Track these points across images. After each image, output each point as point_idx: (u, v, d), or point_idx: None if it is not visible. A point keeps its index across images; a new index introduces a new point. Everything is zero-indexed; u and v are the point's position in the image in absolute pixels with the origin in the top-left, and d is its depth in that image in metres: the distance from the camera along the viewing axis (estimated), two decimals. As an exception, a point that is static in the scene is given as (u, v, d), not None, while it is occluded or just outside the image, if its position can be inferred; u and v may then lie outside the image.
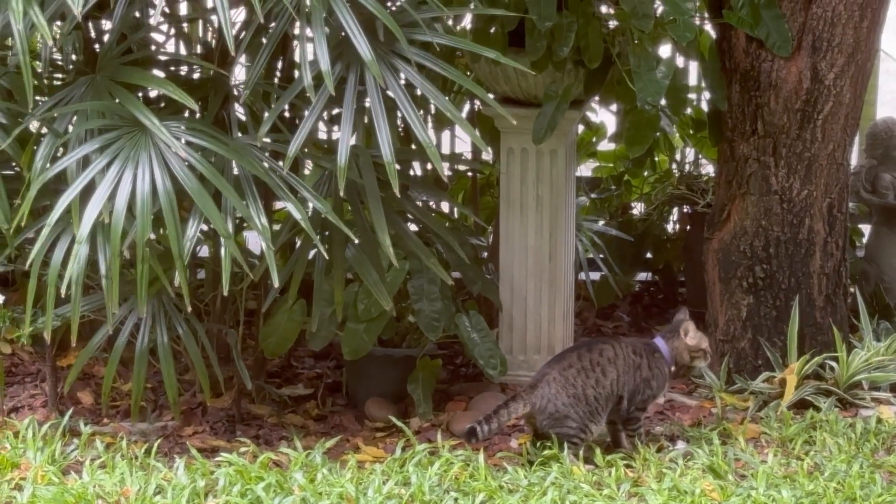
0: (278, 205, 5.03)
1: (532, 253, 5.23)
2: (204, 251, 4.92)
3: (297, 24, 4.23)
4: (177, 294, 4.49)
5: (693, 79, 5.81)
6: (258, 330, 4.92)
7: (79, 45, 4.68)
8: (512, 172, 5.21)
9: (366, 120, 4.50)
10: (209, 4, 4.49)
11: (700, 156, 6.21)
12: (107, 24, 4.67)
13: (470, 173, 5.86)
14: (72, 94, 4.41)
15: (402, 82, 4.32)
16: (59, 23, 4.46)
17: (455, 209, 5.86)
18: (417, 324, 4.98)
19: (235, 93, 4.65)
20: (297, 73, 4.84)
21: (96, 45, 4.66)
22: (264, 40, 4.50)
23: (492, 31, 4.98)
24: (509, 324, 5.29)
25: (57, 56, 4.72)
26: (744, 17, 4.97)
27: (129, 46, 4.57)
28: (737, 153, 5.16)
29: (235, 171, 4.39)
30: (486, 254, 5.60)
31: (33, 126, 4.52)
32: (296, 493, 4.24)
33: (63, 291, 4.20)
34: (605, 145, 6.27)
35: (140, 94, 4.60)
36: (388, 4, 4.51)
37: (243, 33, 4.61)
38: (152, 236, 4.32)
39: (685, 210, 6.16)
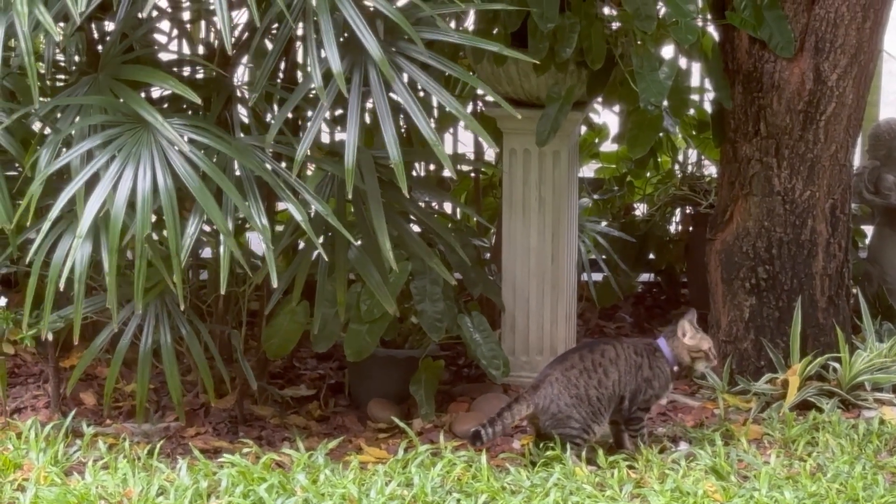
0: (280, 206, 5.04)
1: (534, 254, 5.23)
2: (206, 252, 4.92)
3: (302, 24, 4.23)
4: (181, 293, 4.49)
5: (696, 80, 5.81)
6: (261, 331, 4.92)
7: (82, 46, 4.68)
8: (514, 173, 5.21)
9: (367, 120, 4.51)
10: (212, 6, 4.49)
11: (702, 157, 6.21)
12: (110, 26, 4.68)
13: (472, 174, 5.86)
14: (74, 93, 4.42)
15: (405, 80, 4.32)
16: (62, 24, 4.46)
17: (457, 210, 5.86)
18: (420, 325, 4.99)
19: (238, 94, 4.65)
20: (299, 74, 4.86)
21: (99, 46, 4.67)
22: (267, 42, 4.50)
23: (494, 32, 4.98)
24: (512, 325, 5.29)
25: (60, 57, 4.72)
26: (747, 19, 4.97)
27: (132, 46, 4.57)
28: (739, 154, 5.17)
29: (237, 172, 4.39)
30: (488, 255, 5.61)
31: (35, 127, 4.52)
32: (298, 494, 4.24)
33: (63, 289, 4.19)
34: (608, 146, 6.27)
35: (143, 95, 4.60)
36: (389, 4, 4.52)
37: (246, 34, 4.62)
38: (154, 236, 4.31)
39: (688, 211, 6.17)
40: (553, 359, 4.80)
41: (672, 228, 6.23)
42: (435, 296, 4.94)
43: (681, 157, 6.28)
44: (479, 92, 5.49)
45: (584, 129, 6.03)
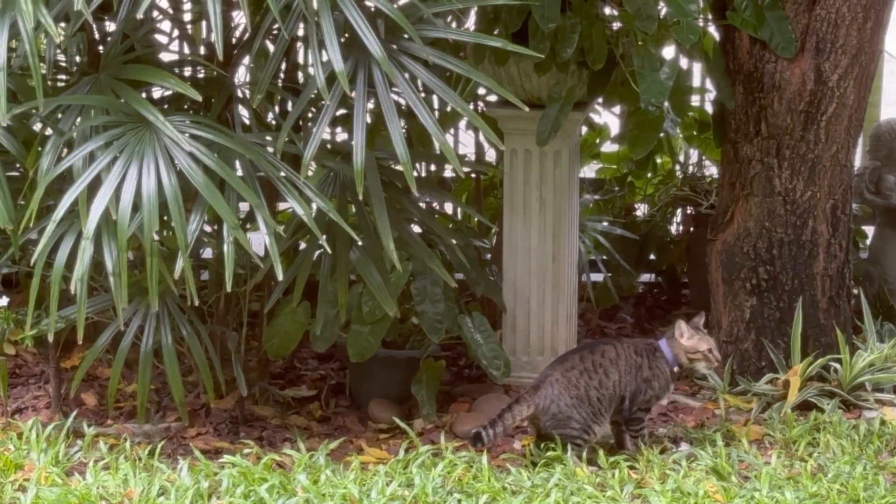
0: (281, 206, 5.04)
1: (535, 254, 5.23)
2: (207, 253, 4.92)
3: (303, 24, 4.23)
4: (181, 296, 4.49)
5: (696, 80, 5.81)
6: (262, 331, 4.92)
7: (83, 46, 4.68)
8: (515, 174, 5.21)
9: (368, 120, 4.50)
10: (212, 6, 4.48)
11: (703, 157, 6.21)
12: (111, 26, 4.68)
13: (473, 175, 5.86)
14: (76, 93, 4.41)
15: (409, 79, 4.32)
16: (62, 24, 4.46)
17: (459, 211, 5.86)
18: (421, 325, 4.99)
19: (239, 94, 4.65)
20: (300, 75, 4.86)
21: (100, 47, 4.67)
22: (268, 42, 4.50)
23: (495, 32, 4.98)
24: (512, 325, 5.29)
25: (61, 58, 4.72)
26: (747, 19, 4.98)
27: (133, 47, 4.57)
28: (740, 155, 5.17)
29: (239, 172, 4.39)
30: (489, 255, 5.61)
31: (36, 127, 4.52)
32: (299, 494, 4.24)
33: (66, 289, 4.19)
34: (609, 146, 6.27)
35: (144, 95, 4.60)
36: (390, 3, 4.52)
37: (247, 34, 4.62)
38: (155, 237, 4.31)
39: (689, 211, 6.17)
40: (553, 359, 4.80)
41: (673, 229, 6.23)
42: (435, 296, 4.94)
43: (682, 158, 6.28)
44: (481, 92, 5.49)
45: (584, 129, 6.03)
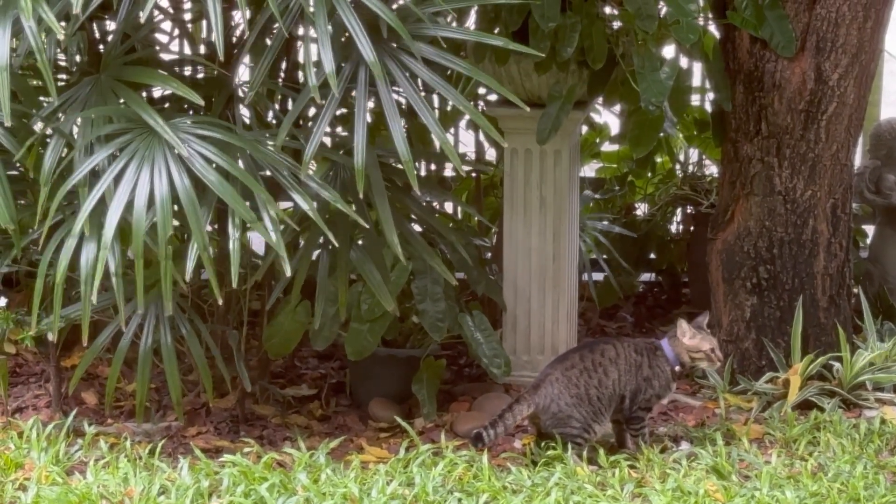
0: (282, 206, 5.04)
1: (535, 253, 5.23)
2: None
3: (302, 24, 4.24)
4: (181, 294, 4.49)
5: (697, 80, 5.81)
6: (262, 330, 4.92)
7: (83, 45, 4.68)
8: (515, 173, 5.21)
9: (369, 119, 4.50)
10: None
11: (703, 156, 6.22)
12: (111, 25, 4.68)
13: (474, 174, 5.86)
14: (77, 94, 4.42)
15: (407, 74, 4.32)
16: (63, 23, 4.46)
17: (459, 210, 5.86)
18: (421, 324, 4.99)
19: (240, 93, 4.65)
20: (300, 74, 4.86)
21: (100, 46, 4.67)
22: (268, 41, 4.50)
23: (496, 31, 4.98)
24: (513, 324, 5.29)
25: (61, 57, 4.72)
26: (748, 18, 4.98)
27: (133, 46, 4.57)
28: (740, 154, 5.17)
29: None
30: (489, 254, 5.61)
31: (36, 127, 4.53)
32: (299, 493, 4.24)
33: (74, 290, 4.19)
34: (609, 146, 6.27)
35: (144, 95, 4.60)
36: (393, 3, 4.52)
37: (248, 33, 4.62)
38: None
39: (689, 211, 6.17)
40: (554, 358, 4.80)
41: (673, 228, 6.23)
42: (436, 295, 4.94)
43: (682, 157, 6.28)
44: (481, 91, 5.49)
45: (585, 128, 6.03)
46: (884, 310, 5.61)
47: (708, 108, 5.92)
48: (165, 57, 4.85)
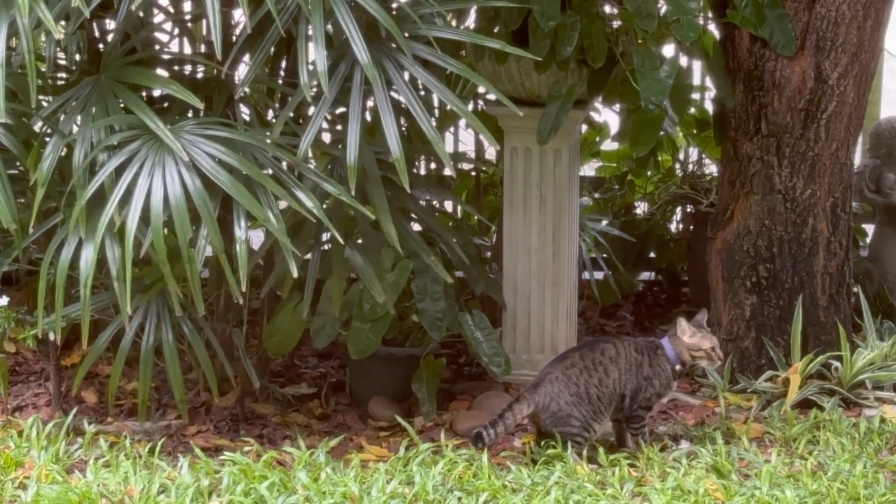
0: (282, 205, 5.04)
1: (535, 252, 5.24)
2: (207, 251, 4.91)
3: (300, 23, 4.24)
4: (183, 293, 4.49)
5: (697, 79, 5.81)
6: (262, 329, 4.92)
7: (83, 44, 4.68)
8: (515, 172, 5.21)
9: (368, 118, 4.51)
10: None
11: (703, 155, 6.21)
12: (111, 24, 4.68)
13: (473, 173, 5.86)
14: (77, 94, 4.42)
15: (406, 77, 4.32)
16: (63, 22, 4.46)
17: (459, 208, 5.86)
18: (421, 323, 4.99)
19: (241, 92, 4.65)
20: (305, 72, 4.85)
21: (100, 45, 4.67)
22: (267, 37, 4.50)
23: (495, 30, 4.98)
24: (513, 323, 5.29)
25: (61, 56, 4.72)
26: (747, 17, 4.98)
27: (133, 46, 4.57)
28: (740, 153, 5.17)
29: (243, 171, 4.39)
30: (489, 253, 5.61)
31: (36, 126, 4.53)
32: (299, 492, 4.24)
33: (76, 291, 4.19)
34: (609, 145, 6.27)
35: (144, 94, 4.60)
36: (392, 3, 4.52)
37: (247, 32, 4.62)
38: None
39: (688, 209, 6.17)
40: (554, 357, 4.80)
41: (673, 227, 6.23)
42: (436, 294, 4.94)
43: (682, 156, 6.28)
44: (480, 90, 5.49)
45: (584, 127, 6.03)
46: (883, 309, 5.61)
47: (708, 106, 5.92)
48: (165, 56, 4.85)
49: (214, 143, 4.24)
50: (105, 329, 4.66)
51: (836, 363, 5.11)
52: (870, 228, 6.01)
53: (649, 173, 6.23)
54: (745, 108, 5.12)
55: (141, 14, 4.61)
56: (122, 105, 4.37)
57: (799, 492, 4.29)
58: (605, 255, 5.89)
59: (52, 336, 4.53)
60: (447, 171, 5.75)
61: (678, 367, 4.68)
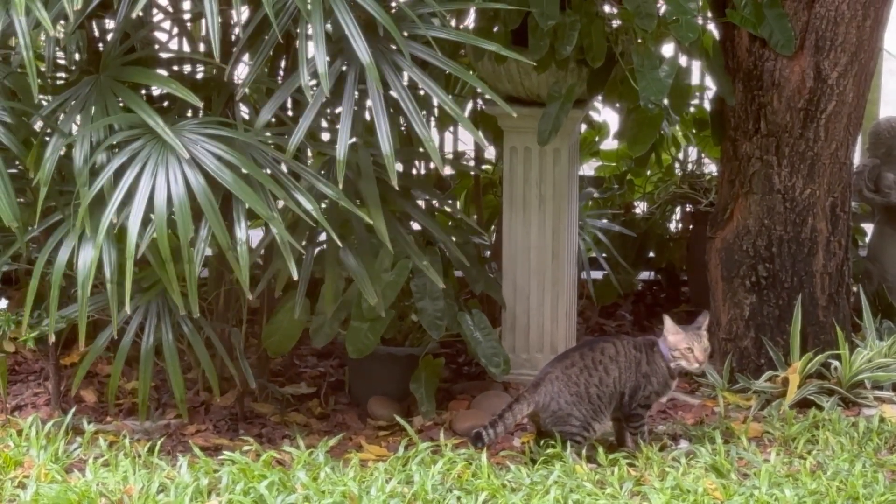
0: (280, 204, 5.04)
1: (535, 252, 5.24)
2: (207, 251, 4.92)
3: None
4: (182, 294, 4.49)
5: (696, 78, 5.81)
6: (261, 329, 4.92)
7: (82, 44, 4.68)
8: (515, 171, 5.21)
9: (368, 117, 4.51)
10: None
11: (703, 155, 6.21)
12: (110, 24, 4.68)
13: (473, 172, 5.86)
14: (76, 94, 4.42)
15: (406, 82, 4.32)
16: (62, 22, 4.46)
17: (458, 207, 5.86)
18: (420, 322, 4.99)
19: (242, 93, 4.66)
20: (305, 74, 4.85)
21: (100, 45, 4.67)
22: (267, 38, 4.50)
23: (495, 30, 4.98)
24: (512, 322, 5.29)
25: (60, 55, 4.72)
26: (747, 17, 4.98)
27: (133, 45, 4.57)
28: (740, 152, 5.17)
29: (243, 170, 4.39)
30: (488, 252, 5.61)
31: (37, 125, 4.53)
32: (299, 491, 4.24)
33: (78, 291, 4.19)
34: (608, 144, 6.27)
35: (144, 93, 4.60)
36: (391, 3, 4.52)
37: (245, 31, 4.62)
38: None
39: (688, 209, 6.17)
40: (553, 357, 4.80)
41: (672, 226, 6.23)
42: (435, 294, 4.94)
43: (681, 155, 6.28)
44: (480, 90, 5.48)
45: (584, 127, 6.03)
46: (883, 308, 5.61)
47: (707, 106, 5.92)
48: (164, 55, 4.85)
49: (215, 141, 4.24)
50: (105, 329, 4.66)
51: (835, 363, 5.11)
52: (869, 228, 6.02)
53: (649, 173, 6.22)
54: (744, 108, 5.12)
55: (141, 14, 4.61)
56: (121, 104, 4.37)
57: (798, 491, 4.29)
58: (604, 255, 5.88)
59: (51, 338, 4.53)
60: (447, 170, 5.78)
61: (672, 365, 4.67)
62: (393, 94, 4.32)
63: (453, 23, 5.26)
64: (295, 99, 4.55)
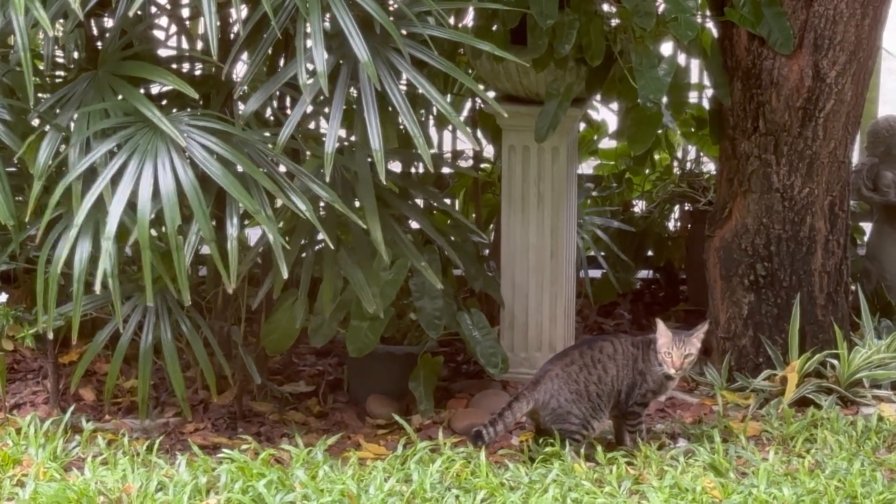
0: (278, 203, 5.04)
1: (533, 250, 5.24)
2: (204, 248, 4.92)
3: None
4: (178, 290, 4.49)
5: (695, 77, 5.81)
6: (259, 327, 4.92)
7: (81, 43, 4.69)
8: (513, 170, 5.21)
9: (377, 121, 4.51)
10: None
11: (701, 154, 6.22)
12: (109, 22, 4.68)
13: (468, 170, 5.85)
14: (74, 90, 4.42)
15: (404, 84, 4.32)
16: (61, 21, 4.46)
17: (457, 206, 5.86)
18: (419, 321, 4.99)
19: (240, 91, 4.66)
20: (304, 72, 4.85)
21: (98, 43, 4.67)
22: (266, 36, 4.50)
23: (494, 28, 4.98)
24: (510, 321, 5.29)
25: (59, 54, 4.72)
26: (745, 15, 4.98)
27: (131, 43, 4.57)
28: (738, 151, 5.17)
29: (239, 168, 4.39)
30: (487, 251, 5.61)
31: (33, 122, 4.53)
32: (297, 489, 4.24)
33: (97, 287, 4.18)
34: (607, 143, 6.27)
35: (143, 92, 4.60)
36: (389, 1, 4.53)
37: (244, 29, 4.62)
38: (152, 232, 4.32)
39: (686, 208, 6.17)
40: (552, 355, 4.80)
41: (671, 225, 6.23)
42: (434, 292, 4.94)
43: (680, 154, 6.28)
44: (481, 87, 5.48)
45: (582, 125, 6.03)
46: (881, 307, 5.61)
47: (706, 105, 5.92)
48: (163, 53, 4.85)
49: (206, 133, 4.23)
50: (103, 327, 4.66)
51: (833, 361, 5.12)
52: (867, 227, 6.02)
53: (647, 171, 6.22)
54: (743, 107, 5.12)
55: (139, 13, 4.61)
56: (119, 99, 4.37)
57: (796, 490, 4.30)
58: (603, 253, 5.89)
59: (49, 335, 4.53)
60: (445, 169, 5.78)
61: (656, 367, 4.65)
62: (388, 91, 4.31)
63: (452, 21, 5.26)
64: (294, 99, 4.55)
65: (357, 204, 4.56)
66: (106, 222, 4.17)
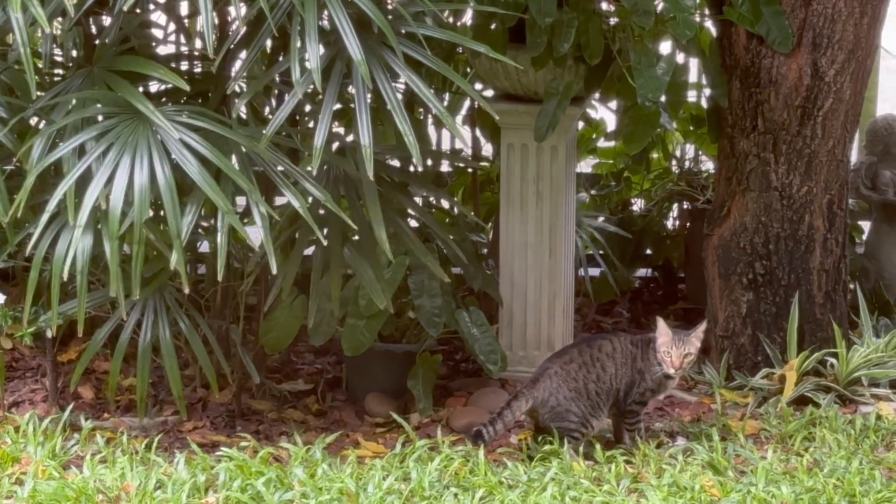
0: (277, 202, 5.04)
1: (532, 249, 5.24)
2: (204, 246, 4.92)
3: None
4: (178, 289, 4.49)
5: (693, 76, 5.81)
6: (258, 325, 4.93)
7: (79, 41, 4.69)
8: (512, 168, 5.21)
9: (368, 117, 4.51)
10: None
11: (700, 152, 6.22)
12: (108, 21, 4.68)
13: (470, 169, 5.86)
14: (69, 86, 4.42)
15: (402, 83, 4.32)
16: (60, 19, 4.46)
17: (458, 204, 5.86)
18: (418, 319, 4.99)
19: (237, 88, 4.65)
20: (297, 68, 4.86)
21: (96, 41, 4.67)
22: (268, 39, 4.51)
23: (492, 27, 4.98)
24: (509, 320, 5.29)
25: (58, 52, 4.72)
26: (744, 14, 4.98)
27: (129, 40, 4.57)
28: (737, 150, 5.17)
29: (236, 165, 4.39)
30: (486, 249, 5.61)
31: (32, 121, 4.53)
32: (296, 488, 4.25)
33: (64, 283, 4.18)
34: (606, 142, 6.27)
35: (140, 90, 4.60)
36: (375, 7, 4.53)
37: (245, 28, 4.63)
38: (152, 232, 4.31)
39: (685, 206, 6.17)
40: (551, 354, 4.81)
41: (669, 224, 6.22)
42: (433, 291, 4.94)
43: (678, 153, 6.28)
44: (478, 87, 5.49)
45: (581, 124, 6.03)
46: (880, 305, 5.61)
47: (704, 103, 5.92)
48: (161, 52, 4.85)
49: (192, 131, 4.22)
50: (102, 325, 4.66)
51: (832, 360, 5.12)
52: (866, 225, 6.02)
53: (645, 170, 6.22)
54: (741, 105, 5.12)
55: (138, 11, 4.61)
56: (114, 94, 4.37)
57: (795, 488, 4.30)
58: (601, 252, 5.89)
59: (51, 333, 4.54)
60: (445, 168, 5.78)
61: (655, 367, 4.65)
62: (381, 90, 4.31)
63: (451, 20, 5.26)
64: (289, 94, 4.55)
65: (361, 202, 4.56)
66: (59, 189, 4.17)
